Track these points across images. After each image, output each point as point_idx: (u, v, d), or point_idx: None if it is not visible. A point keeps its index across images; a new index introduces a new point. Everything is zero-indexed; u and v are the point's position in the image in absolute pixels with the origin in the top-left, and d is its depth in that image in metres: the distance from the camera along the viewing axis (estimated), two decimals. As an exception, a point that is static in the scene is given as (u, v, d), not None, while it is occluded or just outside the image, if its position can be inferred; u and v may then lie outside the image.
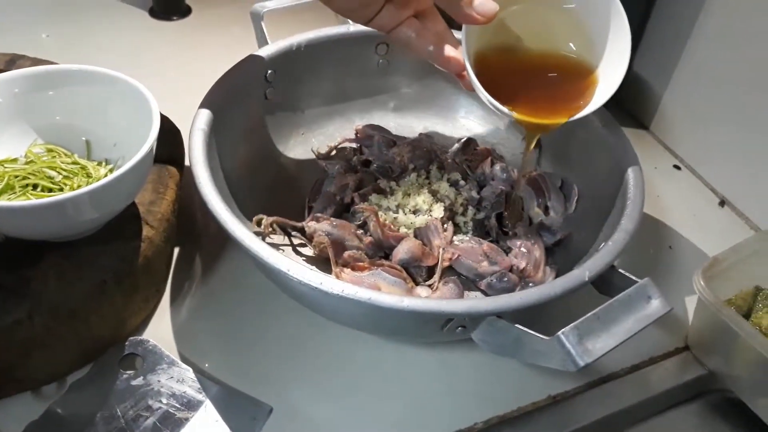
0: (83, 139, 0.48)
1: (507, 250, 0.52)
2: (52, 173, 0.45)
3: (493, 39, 0.47)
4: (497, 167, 0.58)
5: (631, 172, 0.49)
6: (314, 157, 0.61)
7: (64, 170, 0.46)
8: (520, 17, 0.47)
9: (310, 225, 0.51)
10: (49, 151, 0.47)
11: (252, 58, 0.55)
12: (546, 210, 0.56)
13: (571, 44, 0.48)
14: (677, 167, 0.69)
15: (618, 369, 0.48)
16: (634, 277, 0.42)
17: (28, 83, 0.46)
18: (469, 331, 0.42)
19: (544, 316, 0.43)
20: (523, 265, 0.50)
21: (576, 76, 0.48)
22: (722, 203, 0.64)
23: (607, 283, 0.44)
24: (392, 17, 0.45)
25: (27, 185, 0.44)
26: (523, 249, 0.51)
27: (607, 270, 0.42)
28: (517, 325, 0.39)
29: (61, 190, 0.44)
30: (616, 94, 0.77)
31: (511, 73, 0.48)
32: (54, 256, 0.41)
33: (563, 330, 0.37)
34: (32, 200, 0.39)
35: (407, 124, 0.65)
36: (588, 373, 0.48)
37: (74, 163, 0.47)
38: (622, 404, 0.47)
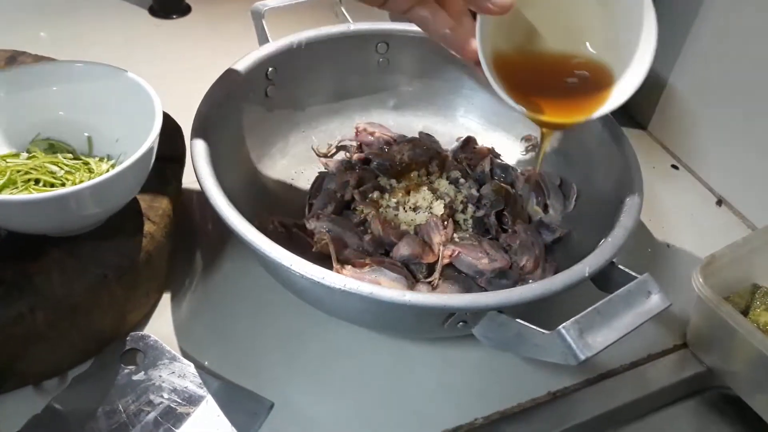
0: (85, 134, 0.48)
1: (507, 248, 0.52)
2: (54, 168, 0.45)
3: (512, 32, 0.46)
4: (497, 166, 0.59)
5: (629, 172, 0.49)
6: (315, 154, 0.62)
7: (66, 165, 0.46)
8: (540, 10, 0.45)
9: (311, 222, 0.51)
10: (51, 146, 0.47)
11: (253, 56, 0.56)
12: (545, 208, 0.57)
13: (589, 44, 0.46)
14: (675, 167, 0.69)
15: (617, 366, 0.49)
16: (633, 273, 0.42)
17: (31, 78, 0.46)
18: (470, 327, 0.42)
19: (543, 313, 0.43)
20: (522, 262, 0.50)
21: (593, 77, 0.46)
22: (719, 202, 0.65)
23: (606, 279, 0.44)
24: None
25: (29, 180, 0.44)
26: (522, 246, 0.51)
27: (607, 266, 0.43)
28: (518, 320, 0.39)
29: (63, 185, 0.44)
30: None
31: (528, 70, 0.46)
32: (56, 251, 0.41)
33: (564, 324, 0.37)
34: (34, 194, 0.39)
35: (407, 123, 0.65)
36: (587, 369, 0.48)
37: (76, 158, 0.47)
38: (621, 401, 0.47)
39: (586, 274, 0.41)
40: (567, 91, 0.46)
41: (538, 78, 0.46)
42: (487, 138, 0.64)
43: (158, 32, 0.82)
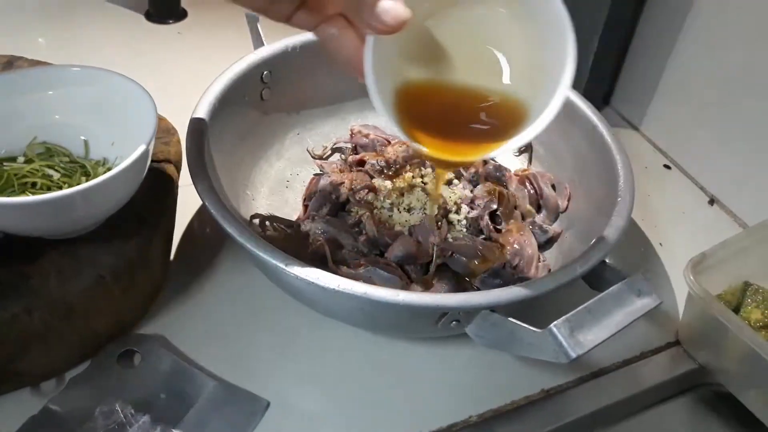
0: (82, 138, 0.48)
1: (500, 248, 0.52)
2: (51, 172, 0.46)
3: (419, 57, 0.40)
4: (490, 166, 0.59)
5: (621, 172, 0.50)
6: (310, 156, 0.62)
7: (63, 169, 0.46)
8: (450, 34, 0.40)
9: (305, 223, 0.52)
10: (48, 149, 0.47)
11: (248, 60, 0.56)
12: (538, 208, 0.57)
13: (505, 74, 0.40)
14: (667, 167, 0.70)
15: (609, 364, 0.49)
16: (624, 272, 0.42)
17: (27, 83, 0.46)
18: (464, 326, 0.42)
19: (536, 312, 0.43)
20: (516, 261, 0.50)
21: (502, 118, 0.40)
22: (711, 201, 0.65)
23: (598, 279, 0.45)
24: (311, 16, 0.37)
25: (26, 183, 0.44)
26: (516, 246, 0.51)
27: (599, 265, 0.43)
28: (510, 319, 0.40)
29: (60, 188, 0.44)
30: (606, 95, 0.78)
31: (435, 103, 0.41)
32: (53, 252, 0.42)
33: (555, 323, 0.37)
34: (30, 197, 0.39)
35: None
36: (580, 367, 0.49)
37: (72, 161, 0.47)
38: (614, 398, 0.48)
39: (578, 274, 0.42)
40: (471, 129, 0.40)
41: (444, 113, 0.41)
42: None
43: (154, 37, 0.82)
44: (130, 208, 0.46)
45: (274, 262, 0.40)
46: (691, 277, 0.45)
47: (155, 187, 0.48)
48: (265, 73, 0.57)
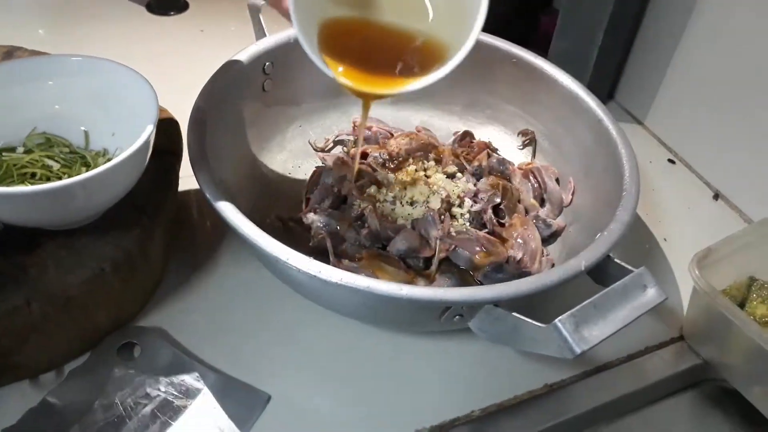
0: (82, 128, 0.48)
1: (503, 242, 0.52)
2: (51, 162, 0.45)
3: None
4: (494, 160, 0.58)
5: (626, 166, 0.49)
6: (312, 149, 0.61)
7: (63, 159, 0.46)
8: None
9: (308, 216, 0.51)
10: (48, 140, 0.47)
11: (249, 51, 0.55)
12: (542, 202, 0.57)
13: (429, 12, 0.42)
14: (672, 161, 0.69)
15: (613, 358, 0.49)
16: (630, 267, 0.42)
17: (28, 73, 0.46)
18: (467, 320, 0.42)
19: (540, 307, 0.43)
20: (519, 256, 0.50)
21: (424, 50, 0.42)
22: (716, 196, 0.65)
23: (603, 273, 0.44)
24: None
25: (25, 174, 0.44)
26: (519, 240, 0.51)
27: (603, 260, 0.43)
28: (514, 314, 0.39)
29: (59, 178, 0.44)
30: (611, 89, 0.77)
31: (354, 37, 0.43)
32: (52, 244, 0.41)
33: (560, 318, 0.37)
34: (30, 187, 0.39)
35: (405, 117, 0.65)
36: (584, 362, 0.48)
37: (72, 152, 0.47)
38: (618, 393, 0.47)
39: (582, 268, 0.41)
40: (391, 63, 0.42)
41: (366, 49, 0.43)
42: (484, 132, 0.64)
43: (156, 28, 0.82)
44: (130, 200, 0.46)
45: (275, 255, 0.39)
46: (696, 272, 0.44)
47: (156, 178, 0.48)
48: (266, 64, 0.57)
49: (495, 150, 0.61)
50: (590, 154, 0.55)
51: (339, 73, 0.41)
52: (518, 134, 0.62)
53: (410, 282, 0.47)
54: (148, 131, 0.41)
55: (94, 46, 0.76)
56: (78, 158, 0.46)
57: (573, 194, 0.56)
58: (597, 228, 0.46)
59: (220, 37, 0.79)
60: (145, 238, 0.44)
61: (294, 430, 0.42)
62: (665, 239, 0.59)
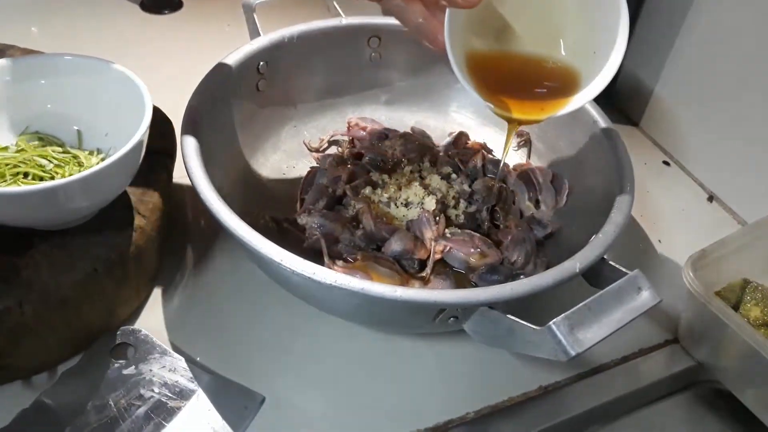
0: (75, 128, 0.48)
1: (498, 243, 0.52)
2: (43, 162, 0.45)
3: (487, 29, 0.47)
4: (489, 161, 0.58)
5: (621, 168, 0.49)
6: (307, 149, 0.61)
7: (56, 159, 0.45)
8: (515, 8, 0.46)
9: (302, 217, 0.51)
10: (41, 139, 0.47)
11: (244, 50, 0.55)
12: (537, 204, 0.57)
13: (562, 47, 0.47)
14: (666, 163, 0.69)
15: (608, 361, 0.49)
16: (624, 269, 0.42)
17: (21, 71, 0.46)
18: (461, 322, 0.42)
19: (535, 309, 0.43)
20: (514, 257, 0.50)
21: (561, 81, 0.47)
22: (710, 198, 0.65)
23: (598, 275, 0.44)
24: None
25: (18, 173, 0.43)
26: (514, 242, 0.51)
27: (598, 262, 0.43)
28: (508, 316, 0.39)
29: (52, 178, 0.44)
30: (607, 91, 0.78)
31: (501, 69, 0.48)
32: (45, 244, 0.41)
33: (554, 320, 0.37)
34: (22, 187, 0.39)
35: (399, 118, 0.65)
36: (578, 364, 0.48)
37: (65, 152, 0.46)
38: (612, 395, 0.47)
39: (577, 270, 0.42)
40: (535, 92, 0.47)
41: (509, 77, 0.48)
42: (479, 133, 0.64)
43: (149, 27, 0.81)
44: (124, 200, 0.46)
45: (269, 256, 0.39)
46: (690, 274, 0.44)
47: (149, 178, 0.48)
48: (261, 63, 0.57)
49: (490, 151, 0.61)
50: (585, 155, 0.55)
51: (491, 100, 0.45)
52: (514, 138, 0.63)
53: (405, 284, 0.47)
54: (142, 131, 0.41)
55: (88, 44, 0.75)
56: (71, 158, 0.46)
57: (568, 195, 0.56)
58: (592, 230, 0.46)
59: (214, 36, 0.79)
60: (139, 239, 0.44)
61: (288, 431, 0.42)
62: (660, 241, 0.59)
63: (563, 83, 0.47)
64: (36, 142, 0.46)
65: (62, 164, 0.45)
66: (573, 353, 0.37)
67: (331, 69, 0.63)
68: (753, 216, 0.60)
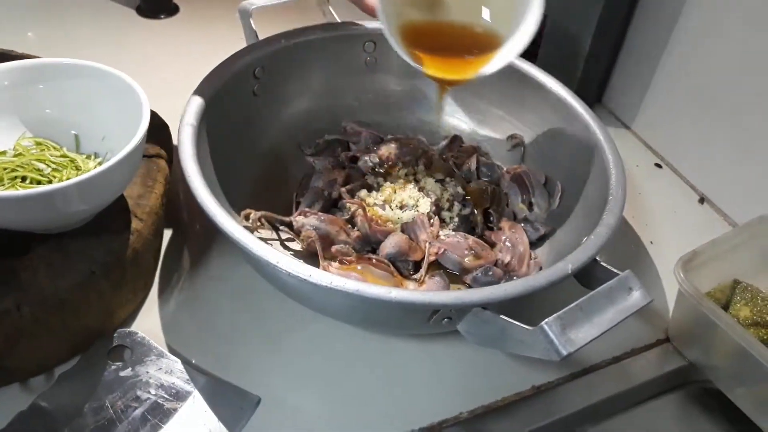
0: (72, 132, 0.48)
1: (492, 245, 0.52)
2: (41, 166, 0.45)
3: (419, 3, 0.52)
4: (483, 164, 0.59)
5: (613, 170, 0.50)
6: (302, 153, 0.62)
7: (53, 163, 0.46)
8: None
9: (297, 219, 0.51)
10: (38, 144, 0.47)
11: (240, 54, 0.56)
12: (530, 206, 0.57)
13: (487, 12, 0.52)
14: (658, 165, 0.70)
15: (600, 360, 0.49)
16: (615, 270, 0.43)
17: (18, 76, 0.46)
18: (455, 323, 0.42)
19: (527, 310, 0.43)
20: (507, 259, 0.50)
21: (488, 42, 0.51)
22: (702, 200, 0.65)
23: (589, 276, 0.45)
24: None
25: (16, 177, 0.44)
26: (507, 243, 0.52)
27: (590, 263, 0.43)
28: (502, 316, 0.40)
29: (50, 182, 0.44)
30: (599, 93, 0.78)
31: (432, 35, 0.52)
32: (44, 247, 0.42)
33: (546, 320, 0.37)
34: (20, 191, 0.39)
35: (394, 121, 0.65)
36: (570, 364, 0.49)
37: (63, 156, 0.47)
38: (604, 394, 0.47)
39: (569, 272, 0.42)
40: (465, 56, 0.51)
41: (442, 44, 0.52)
42: (471, 136, 0.64)
43: (146, 32, 0.82)
44: (121, 203, 0.46)
45: (266, 258, 0.39)
46: (681, 275, 0.45)
47: (146, 181, 0.48)
48: (257, 68, 0.57)
49: (484, 154, 0.62)
50: (577, 158, 0.56)
51: (423, 65, 0.50)
52: (507, 138, 0.63)
53: (399, 285, 0.48)
54: (139, 135, 0.41)
55: (84, 48, 0.76)
56: (69, 162, 0.46)
57: (561, 198, 0.56)
58: (584, 231, 0.47)
59: (211, 41, 0.80)
60: (136, 242, 0.44)
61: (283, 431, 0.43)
62: (651, 242, 0.60)
63: (490, 47, 0.50)
64: (34, 146, 0.46)
65: (60, 168, 0.45)
66: (565, 353, 0.37)
67: (327, 73, 0.63)
68: (743, 217, 0.60)
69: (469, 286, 0.50)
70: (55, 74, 0.47)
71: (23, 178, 0.44)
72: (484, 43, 0.51)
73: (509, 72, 0.59)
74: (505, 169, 0.60)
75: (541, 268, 0.51)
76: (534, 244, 0.54)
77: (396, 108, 0.66)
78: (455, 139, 0.62)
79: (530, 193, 0.57)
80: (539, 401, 0.46)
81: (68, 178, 0.43)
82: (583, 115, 0.55)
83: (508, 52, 0.49)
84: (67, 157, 0.46)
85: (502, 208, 0.56)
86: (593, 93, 0.76)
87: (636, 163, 0.69)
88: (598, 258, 0.44)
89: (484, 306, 0.40)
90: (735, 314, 0.47)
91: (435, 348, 0.48)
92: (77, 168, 0.46)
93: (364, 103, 0.66)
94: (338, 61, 0.63)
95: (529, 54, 0.52)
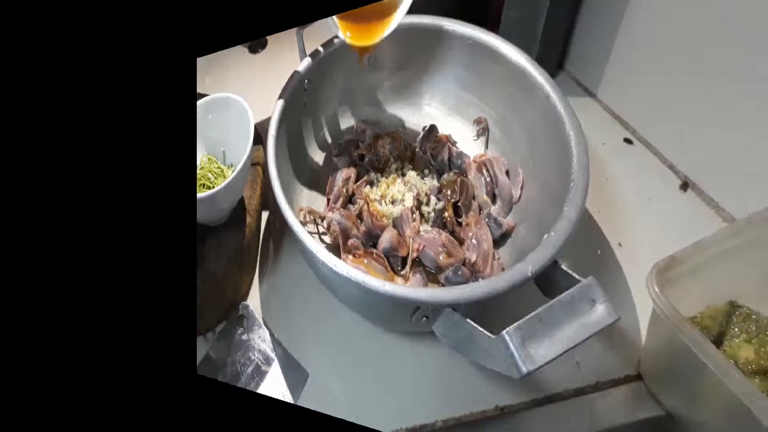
0: (222, 149, 0.28)
1: (461, 242, 0.24)
2: (210, 175, 0.31)
3: None
4: (453, 154, 0.27)
5: (574, 152, 0.19)
6: (331, 153, 0.32)
7: (214, 173, 0.31)
8: None
9: (327, 215, 0.27)
10: (209, 159, 0.28)
11: (296, 74, 0.27)
12: (494, 198, 0.26)
13: None
14: (629, 141, 0.26)
15: (561, 390, 0.21)
16: (577, 276, 0.15)
17: (202, 110, 0.28)
18: (432, 323, 0.19)
19: (494, 317, 0.18)
20: (474, 258, 0.23)
21: (392, 8, 0.24)
22: (685, 185, 0.23)
23: (551, 281, 0.17)
24: None
25: (201, 185, 0.28)
26: (473, 241, 0.23)
27: (550, 266, 0.16)
28: (468, 320, 0.16)
29: (213, 187, 0.29)
30: (561, 58, 0.27)
31: (359, 12, 0.26)
32: (210, 237, 0.24)
33: (507, 329, 0.14)
34: (200, 194, 0.23)
35: (389, 117, 0.32)
36: (532, 388, 0.21)
37: (219, 167, 0.28)
38: (569, 429, 0.20)
39: (529, 275, 0.16)
40: (373, 22, 0.25)
41: (364, 17, 0.25)
42: (445, 124, 0.29)
43: (250, 64, 0.47)
44: (241, 203, 0.25)
45: (308, 247, 0.19)
46: (656, 289, 0.15)
47: (252, 185, 0.26)
48: (306, 81, 0.27)
49: (454, 143, 0.28)
50: (538, 138, 0.22)
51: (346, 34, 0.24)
52: (473, 123, 0.28)
53: (391, 281, 0.23)
54: (250, 147, 0.21)
55: (207, 79, 0.45)
56: (221, 171, 0.27)
57: (522, 188, 0.24)
58: (545, 226, 0.18)
59: (285, 66, 0.50)
60: (249, 233, 0.25)
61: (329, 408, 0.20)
62: (620, 244, 0.23)
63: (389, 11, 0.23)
64: (207, 162, 0.28)
65: (217, 176, 0.28)
66: (525, 370, 0.14)
67: (342, 79, 0.30)
68: (742, 209, 0.20)
69: (443, 285, 0.24)
70: (215, 106, 0.24)
71: (203, 186, 0.29)
72: (390, 10, 0.24)
73: (475, 47, 0.24)
74: (471, 158, 0.27)
75: (503, 269, 0.23)
76: (497, 243, 0.24)
77: (389, 102, 0.32)
78: (432, 129, 0.29)
79: (493, 184, 0.25)
80: (505, 423, 0.21)
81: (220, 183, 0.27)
82: (543, 84, 0.21)
83: (399, 14, 0.24)
84: (221, 168, 0.29)
85: (469, 202, 0.25)
86: (555, 58, 0.31)
87: (602, 141, 0.26)
88: (559, 261, 0.16)
89: (453, 307, 0.16)
90: (731, 353, 0.16)
91: (432, 349, 0.22)
92: (225, 176, 0.29)
93: (368, 101, 0.32)
94: (351, 66, 0.29)
95: (494, 24, 0.21)
